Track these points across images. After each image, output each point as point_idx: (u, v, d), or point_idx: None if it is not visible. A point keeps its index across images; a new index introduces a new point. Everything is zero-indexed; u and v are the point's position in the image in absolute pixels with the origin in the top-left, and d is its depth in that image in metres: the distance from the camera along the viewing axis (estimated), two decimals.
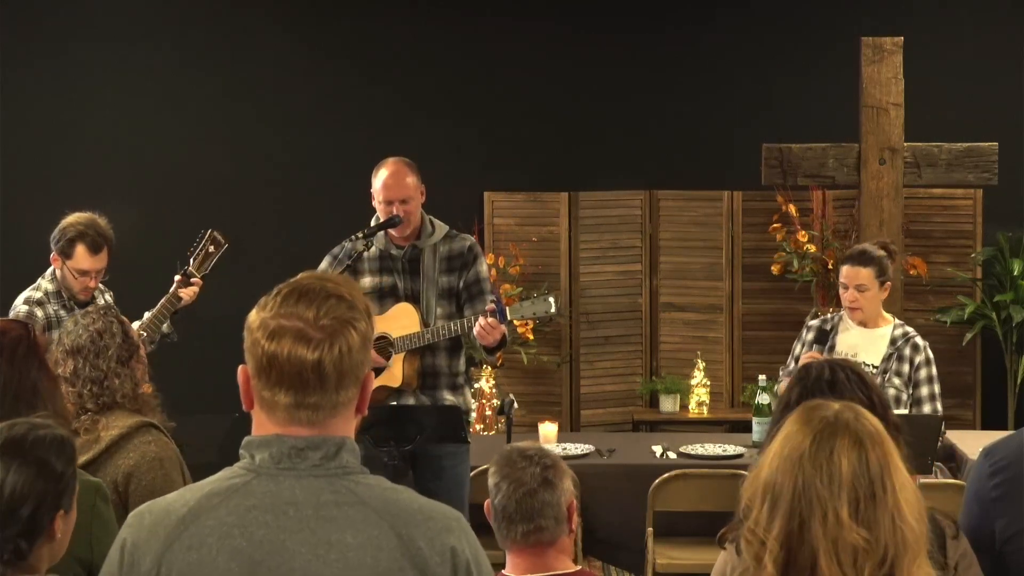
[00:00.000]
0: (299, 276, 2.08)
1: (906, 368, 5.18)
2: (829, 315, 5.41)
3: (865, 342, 5.23)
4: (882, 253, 5.25)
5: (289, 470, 1.96)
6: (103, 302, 5.30)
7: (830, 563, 1.99)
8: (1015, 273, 7.47)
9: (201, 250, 5.45)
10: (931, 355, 5.25)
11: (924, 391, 5.19)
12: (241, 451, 2.01)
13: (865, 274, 5.19)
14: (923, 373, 5.19)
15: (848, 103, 6.66)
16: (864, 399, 2.55)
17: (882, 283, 5.21)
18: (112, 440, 3.51)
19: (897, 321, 5.34)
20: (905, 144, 6.40)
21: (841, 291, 5.27)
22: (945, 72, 7.73)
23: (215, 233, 5.49)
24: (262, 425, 2.00)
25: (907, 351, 5.20)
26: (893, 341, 5.22)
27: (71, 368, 3.58)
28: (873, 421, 2.10)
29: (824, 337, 5.25)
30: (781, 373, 5.42)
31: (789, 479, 2.04)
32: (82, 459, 3.50)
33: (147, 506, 2.03)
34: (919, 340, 5.25)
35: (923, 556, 2.05)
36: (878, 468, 2.03)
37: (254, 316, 2.00)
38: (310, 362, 1.94)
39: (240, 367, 2.01)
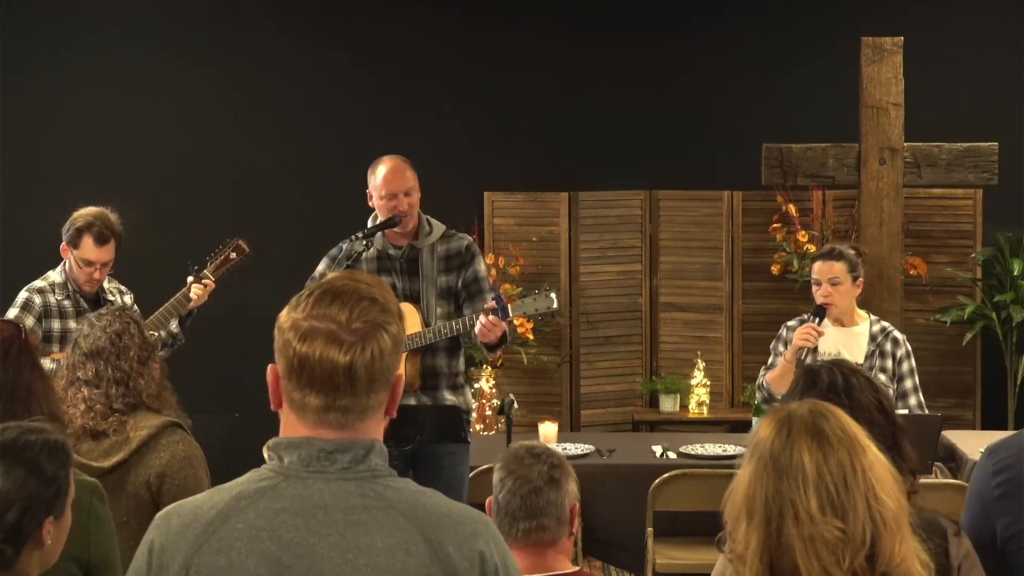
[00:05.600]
0: (331, 276, 2.06)
1: (889, 363, 5.24)
2: (806, 316, 5.40)
3: (845, 341, 5.27)
4: (852, 251, 5.37)
5: (318, 473, 1.95)
6: (120, 303, 5.33)
7: (808, 561, 2.01)
8: (1015, 273, 7.46)
9: (221, 254, 5.47)
10: (910, 348, 5.33)
11: (908, 384, 5.26)
12: (269, 452, 2.00)
13: (838, 268, 5.27)
14: (905, 366, 5.27)
15: (848, 103, 6.65)
16: (873, 400, 2.57)
17: (854, 279, 5.30)
18: (142, 440, 3.53)
19: (873, 317, 5.39)
20: (905, 144, 6.39)
21: (814, 289, 5.32)
22: (945, 72, 7.73)
23: (240, 242, 5.51)
24: (291, 426, 1.99)
25: (888, 346, 5.27)
26: (873, 338, 5.28)
27: (92, 371, 3.57)
28: (831, 412, 2.13)
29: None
30: (763, 372, 5.40)
31: (760, 489, 2.07)
32: (114, 459, 3.53)
33: (174, 507, 2.01)
34: (897, 334, 5.33)
35: (905, 530, 2.07)
36: (845, 454, 2.06)
37: (285, 316, 1.98)
38: (342, 365, 1.93)
39: (270, 367, 2.00)
